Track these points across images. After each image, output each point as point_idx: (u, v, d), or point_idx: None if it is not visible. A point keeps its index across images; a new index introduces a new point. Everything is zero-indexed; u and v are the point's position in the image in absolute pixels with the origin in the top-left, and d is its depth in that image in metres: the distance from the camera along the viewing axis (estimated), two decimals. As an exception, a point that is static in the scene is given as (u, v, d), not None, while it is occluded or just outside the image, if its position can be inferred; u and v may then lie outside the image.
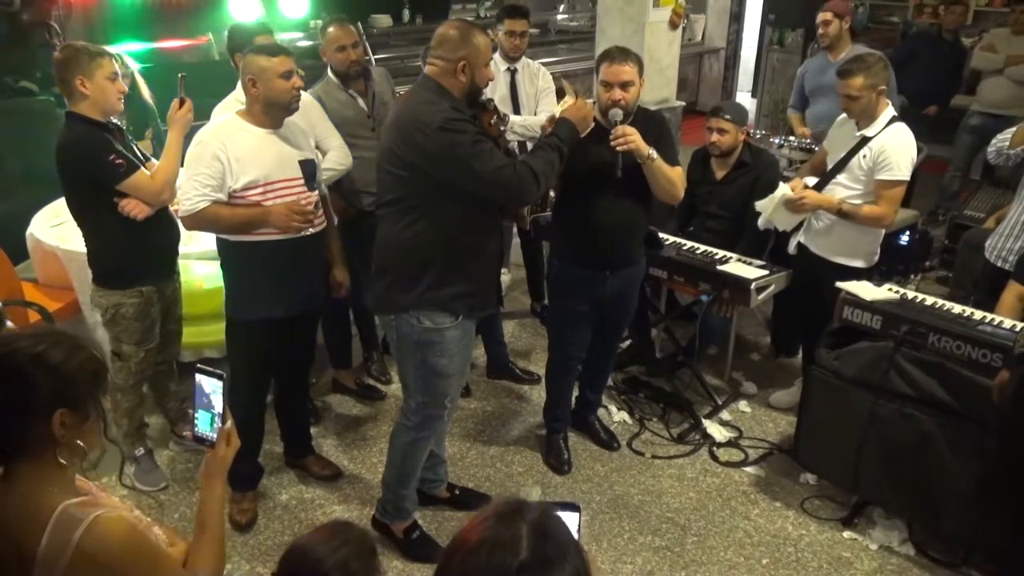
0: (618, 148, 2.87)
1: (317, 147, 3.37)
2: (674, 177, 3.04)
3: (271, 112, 2.80)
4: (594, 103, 3.00)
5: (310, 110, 3.38)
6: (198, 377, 1.66)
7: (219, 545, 1.67)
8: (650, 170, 2.97)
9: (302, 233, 2.82)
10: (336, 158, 3.38)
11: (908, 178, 3.28)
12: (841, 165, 3.38)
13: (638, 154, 2.90)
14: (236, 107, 3.24)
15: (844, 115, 3.51)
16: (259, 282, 2.88)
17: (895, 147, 3.23)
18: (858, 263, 3.44)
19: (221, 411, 1.65)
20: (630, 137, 2.87)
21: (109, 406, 1.53)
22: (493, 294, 2.86)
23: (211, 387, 1.66)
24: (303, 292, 2.98)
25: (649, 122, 3.08)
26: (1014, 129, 3.51)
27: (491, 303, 2.88)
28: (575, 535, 1.20)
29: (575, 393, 3.66)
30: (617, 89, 2.94)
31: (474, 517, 1.09)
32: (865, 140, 3.30)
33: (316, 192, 2.95)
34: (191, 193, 2.70)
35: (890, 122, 3.29)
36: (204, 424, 1.67)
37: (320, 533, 1.59)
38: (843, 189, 3.36)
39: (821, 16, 4.74)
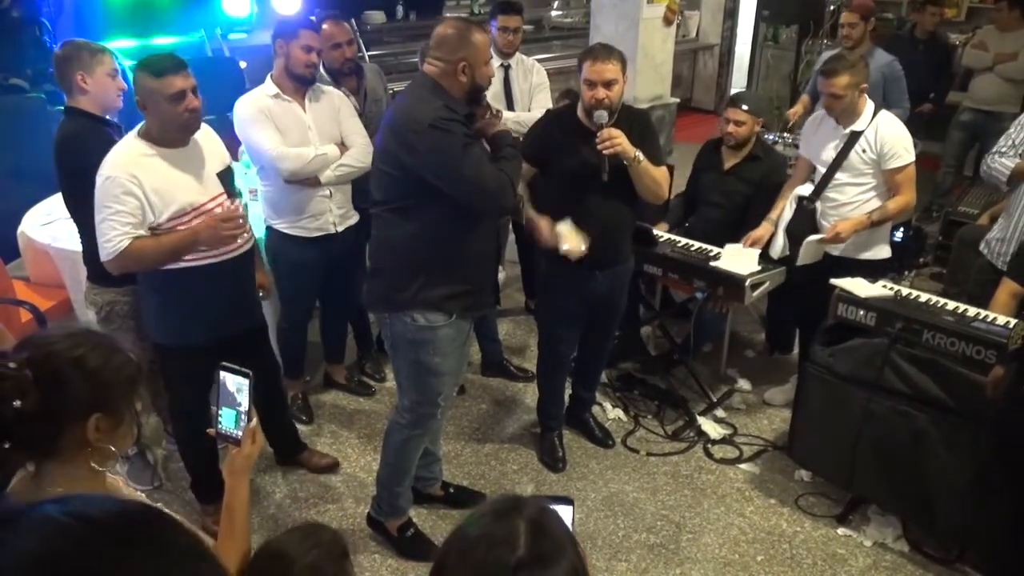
0: (604, 152, 2.86)
1: (342, 142, 3.37)
2: (660, 177, 3.04)
3: (168, 136, 2.58)
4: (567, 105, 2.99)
5: (340, 106, 3.40)
6: (223, 375, 1.67)
7: (246, 543, 1.67)
8: (636, 171, 2.96)
9: (237, 244, 2.70)
10: (355, 155, 3.36)
11: (914, 157, 3.30)
12: (838, 163, 3.36)
13: (624, 157, 2.89)
14: (262, 100, 3.25)
15: (815, 115, 3.51)
16: (190, 308, 2.72)
17: (893, 135, 3.26)
18: (885, 253, 3.48)
19: (247, 409, 1.65)
20: (616, 140, 2.86)
21: (140, 408, 1.51)
22: (489, 295, 2.84)
23: (236, 385, 1.66)
24: (241, 310, 2.88)
25: (633, 120, 3.07)
26: (1012, 165, 3.43)
27: (487, 303, 2.86)
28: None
29: (568, 391, 3.66)
30: (601, 88, 2.91)
31: (472, 513, 1.09)
32: (855, 135, 3.30)
33: (240, 200, 2.80)
34: (110, 234, 2.47)
35: (875, 113, 3.31)
36: (228, 422, 1.68)
37: (292, 535, 1.59)
38: (851, 187, 3.36)
39: (846, 18, 4.75)
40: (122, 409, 1.45)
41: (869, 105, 3.32)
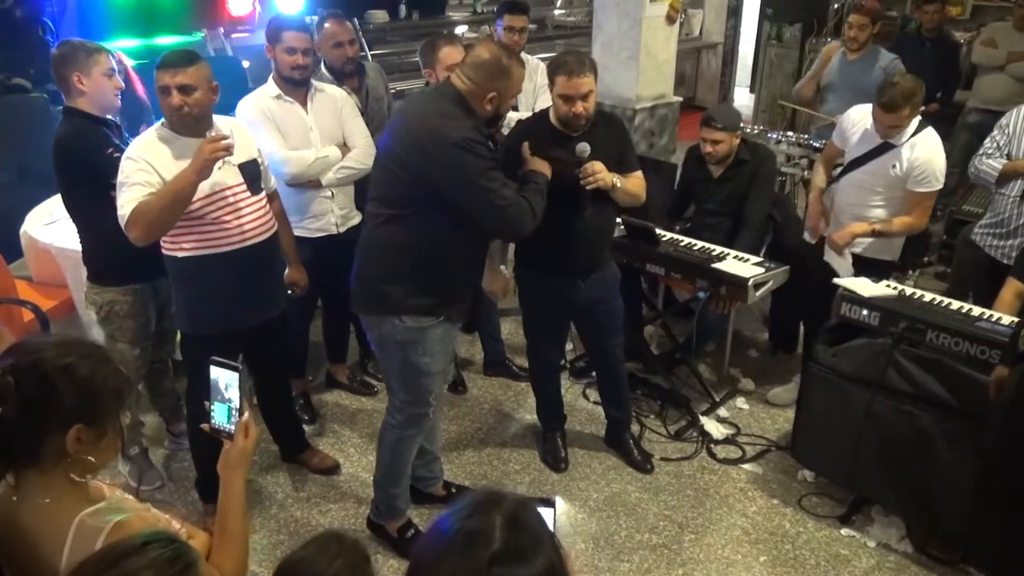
0: (588, 187, 2.87)
1: (344, 142, 3.37)
2: (636, 190, 3.05)
3: (177, 126, 2.63)
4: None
5: (342, 105, 3.38)
6: (213, 369, 1.66)
7: (242, 540, 1.65)
8: (614, 196, 2.99)
9: (252, 234, 2.76)
10: (357, 157, 3.36)
11: (943, 184, 3.30)
12: (862, 161, 3.37)
13: (604, 187, 2.91)
14: (264, 101, 3.26)
15: (860, 108, 3.48)
16: (214, 295, 2.77)
17: (930, 160, 3.24)
18: (887, 256, 3.49)
19: (238, 403, 1.65)
20: (599, 175, 2.86)
21: (127, 421, 1.50)
22: (470, 306, 2.86)
23: (227, 379, 1.66)
24: (262, 300, 2.91)
25: (610, 126, 3.08)
26: (999, 166, 3.46)
27: (468, 314, 2.85)
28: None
29: (578, 398, 3.64)
30: (579, 102, 2.87)
31: (450, 507, 1.09)
32: (889, 145, 3.30)
33: (263, 195, 2.87)
34: (123, 200, 2.52)
35: (918, 128, 3.27)
36: (221, 416, 1.67)
37: (312, 546, 1.57)
38: (865, 191, 3.37)
39: (855, 19, 4.68)
40: (106, 422, 1.44)
41: (915, 120, 3.30)
